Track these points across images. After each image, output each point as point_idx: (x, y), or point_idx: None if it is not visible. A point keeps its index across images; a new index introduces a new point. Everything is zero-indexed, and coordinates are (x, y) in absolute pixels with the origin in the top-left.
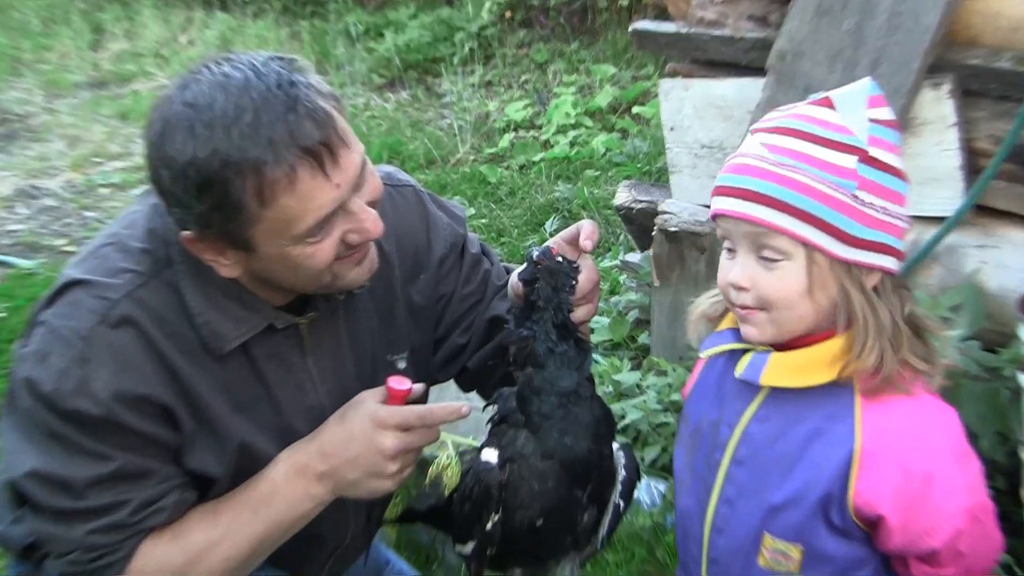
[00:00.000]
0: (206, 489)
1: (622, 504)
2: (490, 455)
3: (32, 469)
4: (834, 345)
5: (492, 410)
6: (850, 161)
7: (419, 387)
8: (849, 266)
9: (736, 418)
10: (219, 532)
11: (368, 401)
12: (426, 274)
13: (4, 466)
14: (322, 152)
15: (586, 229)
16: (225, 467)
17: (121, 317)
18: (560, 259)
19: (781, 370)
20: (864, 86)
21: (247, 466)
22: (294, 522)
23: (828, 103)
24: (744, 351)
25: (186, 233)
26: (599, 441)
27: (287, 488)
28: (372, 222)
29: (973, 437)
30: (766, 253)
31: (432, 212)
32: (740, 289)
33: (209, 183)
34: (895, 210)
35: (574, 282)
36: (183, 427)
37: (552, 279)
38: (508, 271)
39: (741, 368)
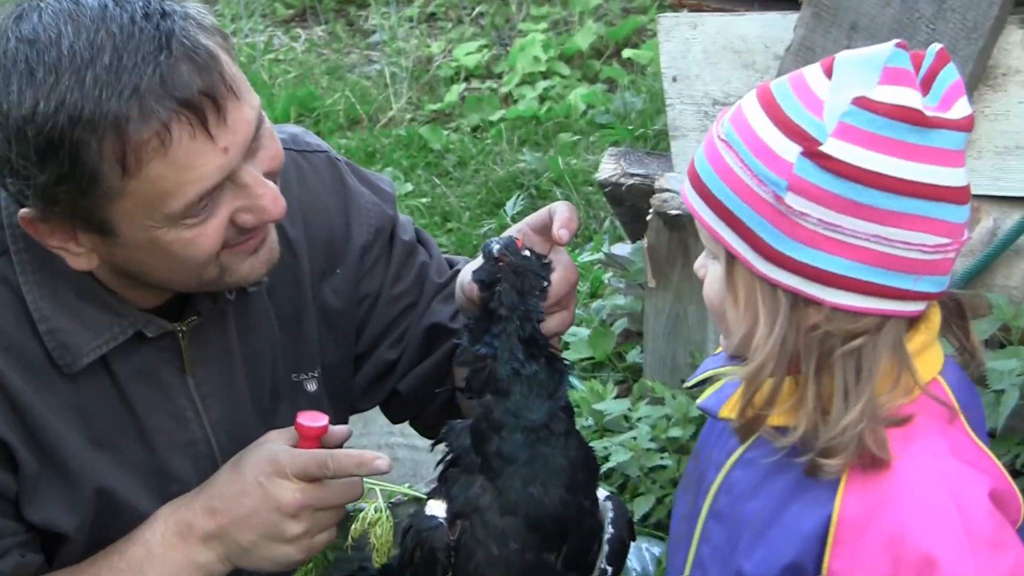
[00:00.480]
0: (56, 549)
1: (610, 570)
2: (437, 508)
3: None
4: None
5: (440, 450)
6: (790, 152)
7: (343, 428)
8: (775, 288)
9: (725, 458)
10: None
11: (270, 443)
12: (344, 268)
13: None
14: (204, 105)
15: (561, 214)
16: (79, 520)
17: None
18: (528, 254)
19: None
20: (883, 52)
21: (109, 519)
22: None
23: (828, 65)
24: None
25: (25, 211)
26: (577, 490)
27: (166, 554)
28: (271, 199)
29: None
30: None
31: (352, 187)
32: None
33: (55, 145)
34: (859, 228)
35: (546, 284)
36: (23, 468)
37: (517, 280)
38: (452, 265)
39: (705, 395)
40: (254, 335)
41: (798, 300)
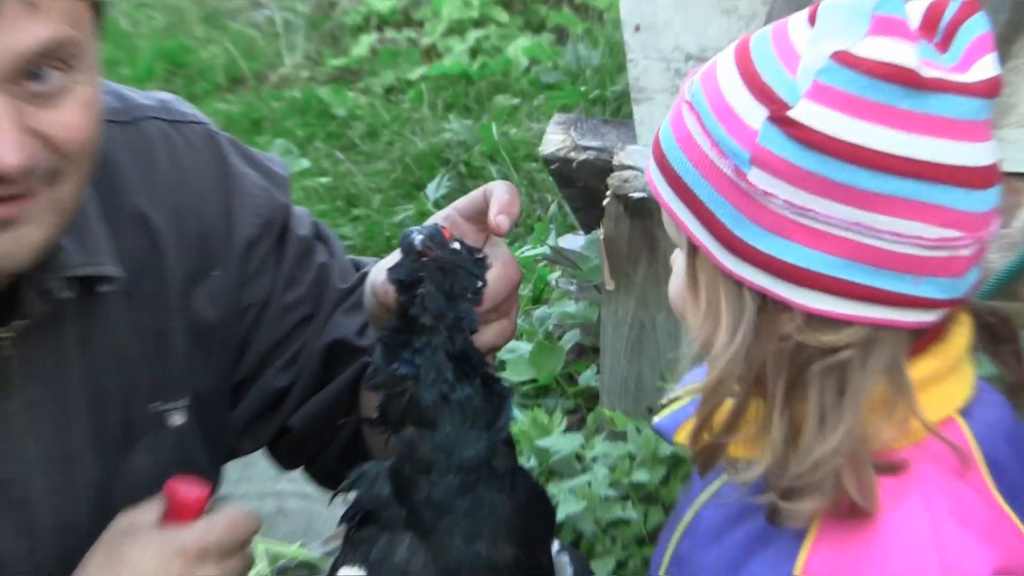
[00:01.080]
0: None
1: None
2: (350, 574)
3: None
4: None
5: (346, 501)
6: (756, 117)
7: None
8: (740, 286)
9: (695, 496)
10: None
11: (147, 525)
12: (224, 269)
13: None
14: None
15: (499, 197)
16: None
17: None
18: (458, 247)
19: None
20: None
21: None
22: None
23: (812, 13)
24: None
25: None
26: (532, 544)
27: None
28: (9, 146)
29: None
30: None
31: (236, 169)
32: None
33: None
34: (836, 214)
35: (480, 284)
36: None
37: (445, 280)
38: (359, 267)
39: (664, 413)
40: (103, 349)
41: (767, 302)
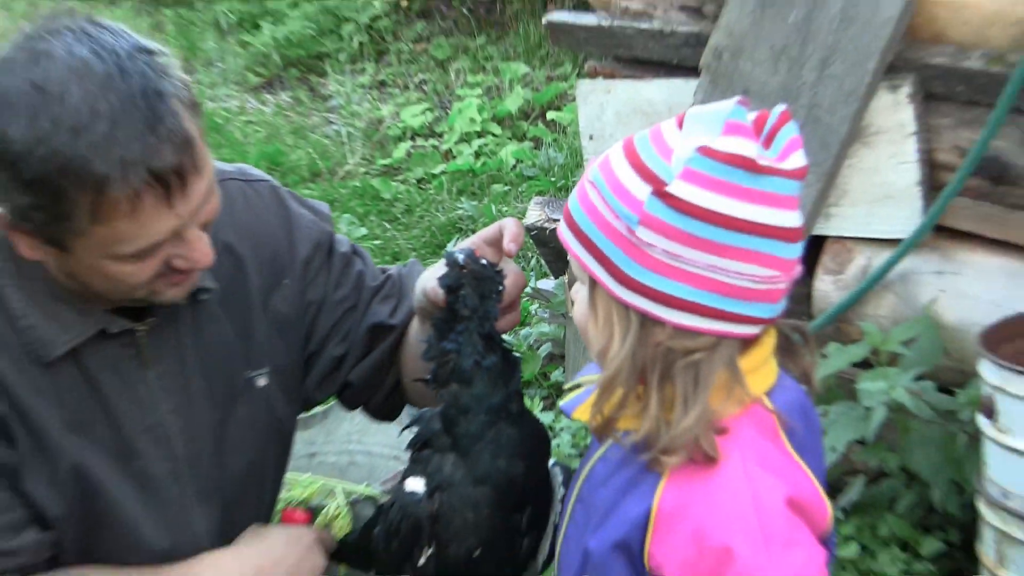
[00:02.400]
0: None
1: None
2: (416, 484)
3: None
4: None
5: (410, 435)
6: (642, 192)
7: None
8: (627, 309)
9: (593, 453)
10: None
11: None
12: (291, 279)
13: None
14: (172, 180)
15: (510, 229)
16: (63, 501)
17: None
18: (485, 263)
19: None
20: (727, 107)
21: (86, 501)
22: None
23: (680, 119)
24: None
25: None
26: (535, 461)
27: None
28: (203, 252)
29: (923, 486)
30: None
31: (293, 210)
32: None
33: (41, 184)
34: (697, 259)
35: (501, 288)
36: (16, 444)
37: (478, 286)
38: (383, 272)
39: (567, 398)
40: (208, 336)
41: (646, 320)
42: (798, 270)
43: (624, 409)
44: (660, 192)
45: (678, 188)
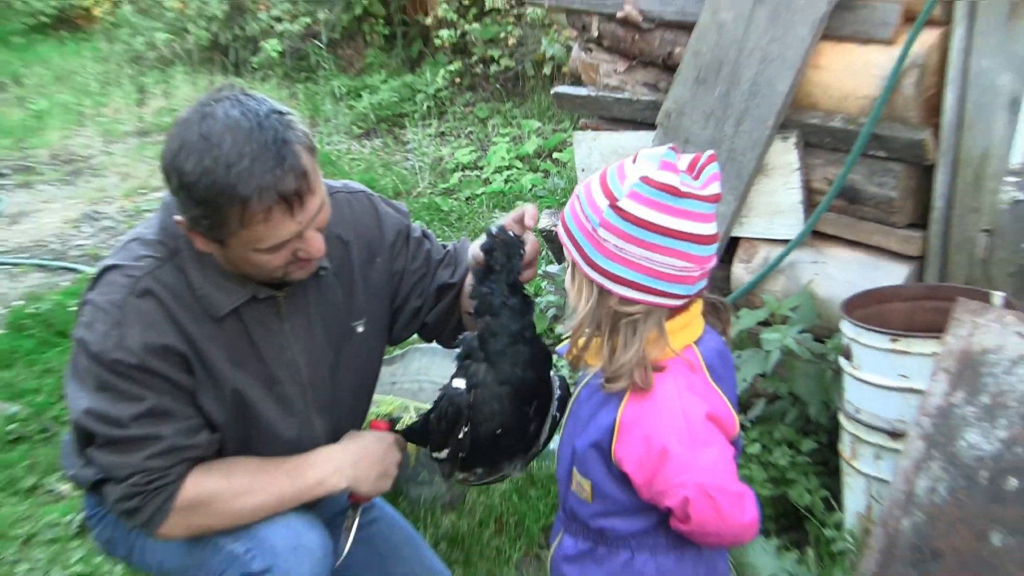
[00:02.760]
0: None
1: (557, 415)
2: (459, 383)
3: (87, 408)
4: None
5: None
6: (603, 204)
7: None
8: (591, 283)
9: (580, 382)
10: (260, 483)
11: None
12: (381, 257)
13: (70, 412)
14: (294, 200)
15: (530, 212)
16: (226, 414)
17: (144, 289)
18: (511, 234)
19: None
20: (661, 151)
21: (242, 413)
22: (313, 495)
23: (635, 157)
24: None
25: (179, 217)
26: (540, 370)
27: (320, 468)
28: (316, 247)
29: (804, 405)
30: None
31: (381, 209)
32: None
33: (205, 201)
34: (635, 252)
35: (522, 252)
36: (195, 374)
37: (506, 249)
38: (444, 247)
39: (561, 344)
40: (325, 299)
41: (602, 291)
42: (713, 262)
43: (587, 350)
44: (613, 205)
45: (625, 204)
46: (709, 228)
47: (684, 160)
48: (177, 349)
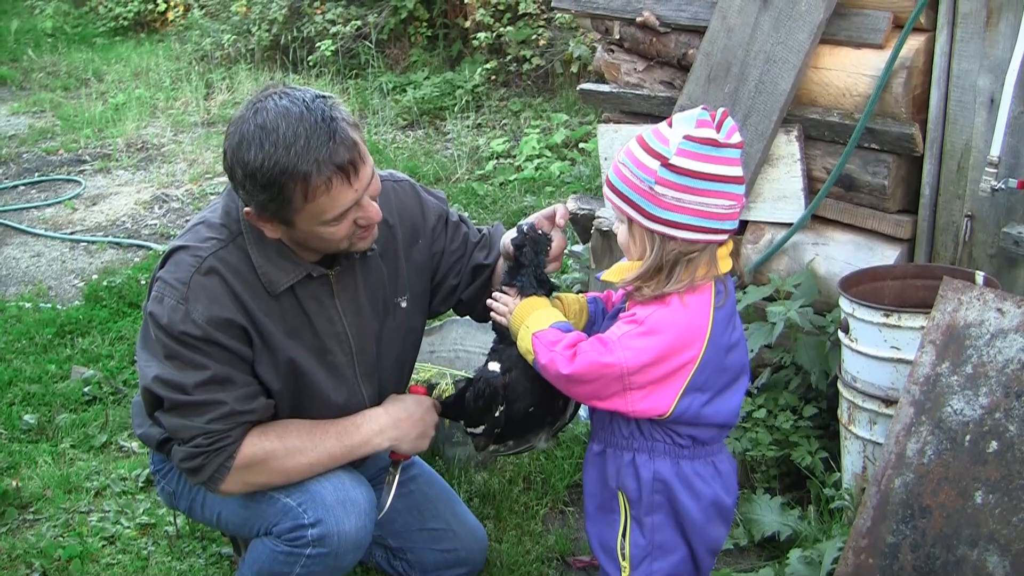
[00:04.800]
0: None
1: None
2: (495, 366)
3: (156, 375)
4: (627, 267)
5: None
6: (654, 164)
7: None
8: (652, 233)
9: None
10: (311, 443)
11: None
12: (423, 239)
13: (139, 378)
14: (349, 168)
15: (560, 211)
16: (281, 381)
17: (209, 268)
18: (540, 232)
19: (609, 273)
20: (695, 112)
21: (295, 380)
22: (360, 453)
23: (670, 122)
24: None
25: (247, 209)
26: None
27: (365, 429)
28: (374, 212)
29: (806, 374)
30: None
31: (423, 196)
32: None
33: (270, 183)
34: (692, 200)
35: (549, 248)
36: (254, 346)
37: (535, 245)
38: (480, 231)
39: (604, 275)
40: (371, 277)
41: (664, 238)
42: (745, 201)
43: (648, 281)
44: (666, 164)
45: (677, 160)
46: (740, 170)
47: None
48: (237, 322)
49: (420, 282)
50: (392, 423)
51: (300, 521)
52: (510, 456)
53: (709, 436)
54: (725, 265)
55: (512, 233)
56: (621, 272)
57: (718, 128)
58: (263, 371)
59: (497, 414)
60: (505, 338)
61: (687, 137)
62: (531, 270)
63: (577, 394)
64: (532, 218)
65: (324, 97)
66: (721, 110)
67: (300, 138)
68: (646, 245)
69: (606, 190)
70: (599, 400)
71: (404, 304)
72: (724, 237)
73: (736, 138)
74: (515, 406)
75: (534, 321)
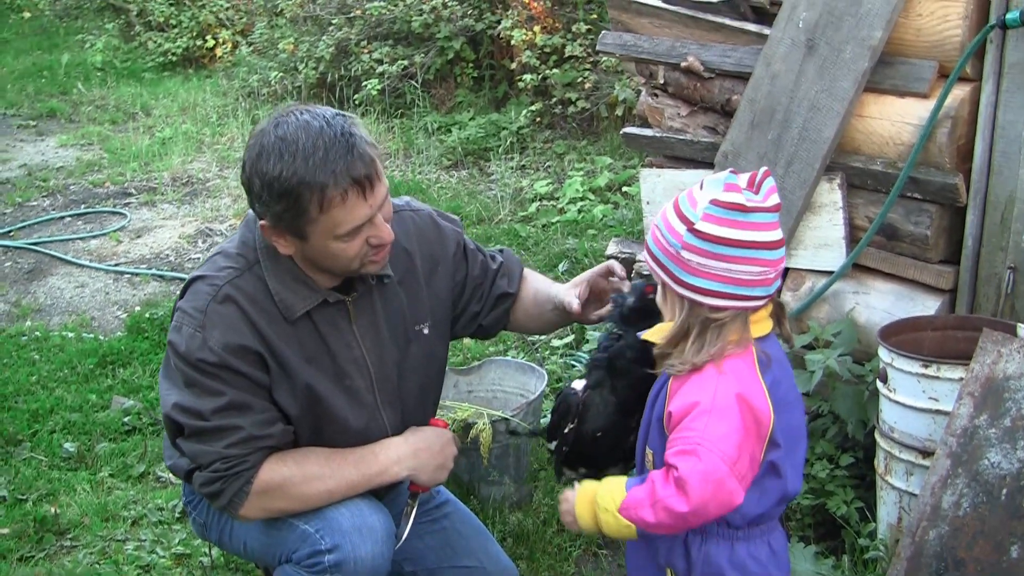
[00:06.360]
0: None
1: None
2: (578, 384)
3: (175, 402)
4: (663, 328)
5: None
6: (682, 228)
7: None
8: (682, 298)
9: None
10: (329, 470)
11: (435, 431)
12: (443, 266)
13: (162, 406)
14: (365, 183)
15: (618, 271)
16: (299, 407)
17: (225, 296)
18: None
19: (650, 333)
20: (723, 175)
21: (313, 405)
22: (378, 482)
23: (701, 184)
24: None
25: (263, 222)
26: (643, 388)
27: (383, 457)
28: (387, 232)
29: (843, 423)
30: None
31: (441, 224)
32: None
33: (287, 193)
34: (716, 266)
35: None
36: (271, 371)
37: (646, 307)
38: (493, 256)
39: (645, 335)
40: (390, 303)
41: (693, 304)
42: (783, 264)
43: (675, 347)
44: (691, 229)
45: (701, 225)
46: (776, 234)
47: (743, 179)
48: (254, 349)
49: (442, 308)
50: (411, 453)
51: (318, 547)
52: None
53: (769, 507)
54: (758, 330)
55: (570, 286)
56: (659, 333)
57: (757, 189)
58: (281, 397)
59: (567, 431)
60: (598, 364)
61: (713, 202)
62: (632, 329)
63: (705, 521)
64: (586, 276)
65: (344, 115)
66: (763, 170)
67: (319, 150)
68: (676, 309)
69: (645, 252)
70: (722, 510)
71: (427, 331)
72: (756, 304)
73: (772, 200)
74: (585, 427)
75: (605, 500)
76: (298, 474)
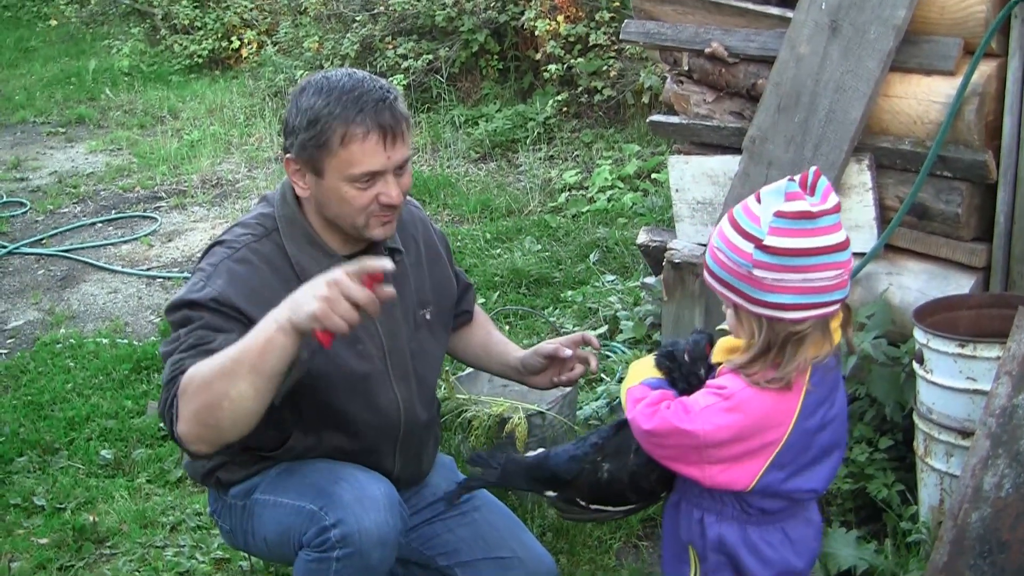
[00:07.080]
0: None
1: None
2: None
3: (162, 350)
4: (737, 345)
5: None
6: (748, 247)
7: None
8: (759, 317)
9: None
10: (222, 354)
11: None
12: (441, 262)
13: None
14: (388, 132)
15: (591, 337)
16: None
17: (242, 257)
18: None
19: (718, 353)
20: (781, 184)
21: (323, 366)
22: (269, 346)
23: (757, 196)
24: None
25: (288, 155)
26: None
27: (262, 325)
28: (396, 194)
29: (880, 405)
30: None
31: (436, 230)
32: None
33: (316, 121)
34: (793, 279)
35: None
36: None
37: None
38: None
39: (716, 359)
40: (400, 281)
41: (771, 321)
42: (852, 264)
43: (758, 362)
44: (760, 246)
45: (771, 241)
46: (843, 234)
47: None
48: (246, 314)
49: (443, 299)
50: (285, 307)
51: (323, 524)
52: (588, 522)
53: (779, 507)
54: (836, 336)
55: (559, 341)
56: (728, 352)
57: (812, 191)
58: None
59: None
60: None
61: (778, 214)
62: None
63: (658, 455)
64: (558, 342)
65: (386, 80)
66: (813, 170)
67: (356, 91)
68: (754, 328)
69: (706, 276)
70: (678, 463)
71: (429, 317)
72: (835, 308)
73: (832, 201)
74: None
75: (631, 376)
76: (202, 364)
